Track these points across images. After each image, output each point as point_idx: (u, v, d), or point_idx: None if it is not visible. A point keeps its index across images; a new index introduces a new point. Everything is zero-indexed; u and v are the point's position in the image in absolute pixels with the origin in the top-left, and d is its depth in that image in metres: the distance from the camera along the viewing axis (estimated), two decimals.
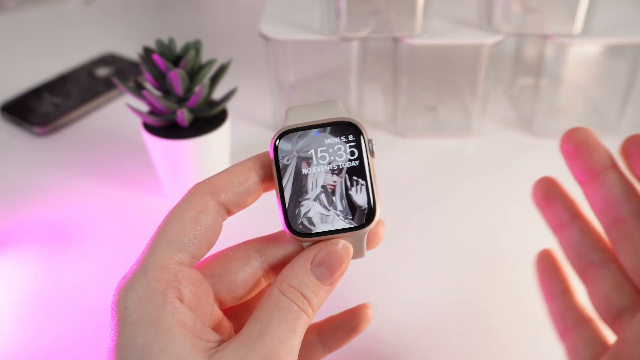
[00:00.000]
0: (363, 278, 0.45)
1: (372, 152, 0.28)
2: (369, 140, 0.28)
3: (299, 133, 0.28)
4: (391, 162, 0.57)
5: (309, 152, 0.28)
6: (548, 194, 0.32)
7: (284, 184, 0.28)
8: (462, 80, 0.67)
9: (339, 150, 0.28)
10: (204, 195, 0.27)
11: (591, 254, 0.30)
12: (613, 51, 0.61)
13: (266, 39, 0.54)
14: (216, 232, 0.28)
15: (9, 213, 0.52)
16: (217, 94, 0.52)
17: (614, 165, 0.28)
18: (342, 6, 0.52)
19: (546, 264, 0.34)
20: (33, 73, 0.70)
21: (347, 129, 0.28)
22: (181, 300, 0.25)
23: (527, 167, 0.57)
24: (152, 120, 0.48)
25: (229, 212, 0.28)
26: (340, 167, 0.28)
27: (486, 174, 0.56)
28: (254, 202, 0.29)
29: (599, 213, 0.29)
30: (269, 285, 0.30)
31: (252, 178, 0.28)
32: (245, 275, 0.29)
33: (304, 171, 0.28)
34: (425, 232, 0.50)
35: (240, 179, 0.28)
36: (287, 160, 0.28)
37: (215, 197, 0.27)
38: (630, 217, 0.28)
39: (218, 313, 0.28)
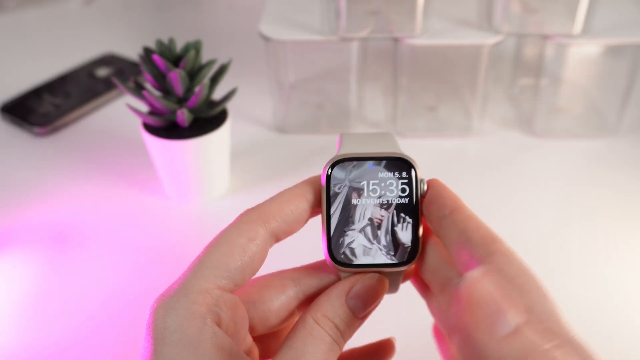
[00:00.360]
0: None
1: (422, 192, 0.28)
2: (421, 180, 0.28)
3: (354, 163, 0.28)
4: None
5: (361, 184, 0.28)
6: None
7: (331, 212, 0.28)
8: (462, 80, 0.67)
9: (391, 186, 0.28)
10: (256, 223, 0.27)
11: None
12: (613, 51, 0.61)
13: (266, 39, 0.54)
14: (261, 261, 0.28)
15: (9, 213, 0.52)
16: (217, 94, 0.52)
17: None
18: (342, 6, 0.52)
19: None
20: (33, 73, 0.70)
21: (402, 165, 0.28)
22: (219, 325, 0.25)
23: (527, 167, 0.57)
24: (152, 121, 0.48)
25: (277, 240, 0.28)
26: (390, 202, 0.28)
27: (486, 174, 0.56)
28: (302, 228, 0.29)
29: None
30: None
31: (303, 206, 0.28)
32: (280, 303, 0.29)
33: (354, 201, 0.28)
34: None
35: (292, 207, 0.28)
36: (339, 189, 0.28)
37: (267, 225, 0.27)
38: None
39: (249, 340, 0.29)
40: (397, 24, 0.54)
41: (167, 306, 0.25)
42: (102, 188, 0.54)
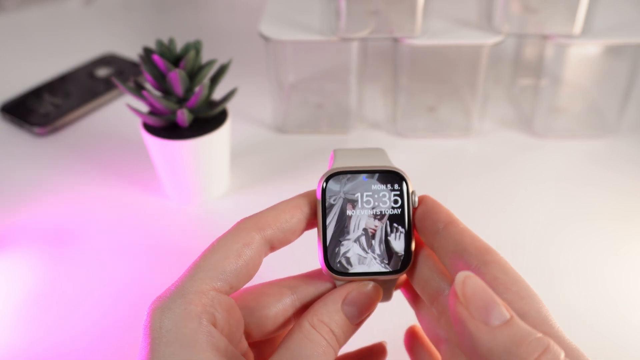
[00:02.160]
0: None
1: (414, 203, 0.29)
2: (412, 192, 0.29)
3: (348, 175, 0.29)
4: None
5: (356, 195, 0.29)
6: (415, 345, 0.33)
7: (327, 222, 0.29)
8: (462, 80, 0.67)
9: (384, 197, 0.29)
10: (251, 230, 0.28)
11: None
12: (613, 51, 0.61)
13: (266, 39, 0.54)
14: (256, 266, 0.29)
15: (8, 213, 0.52)
16: (217, 94, 0.52)
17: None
18: (342, 6, 0.52)
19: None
20: (33, 73, 0.70)
21: (394, 178, 0.29)
22: (214, 325, 0.26)
23: (527, 167, 0.57)
24: (152, 121, 0.48)
25: (273, 248, 0.29)
26: (383, 213, 0.29)
27: (486, 175, 0.56)
28: (296, 239, 0.30)
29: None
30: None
31: (298, 216, 0.29)
32: (276, 310, 0.30)
33: (349, 212, 0.29)
34: None
35: (287, 216, 0.29)
36: (334, 200, 0.29)
37: (262, 232, 0.28)
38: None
39: (245, 343, 0.29)
40: (397, 24, 0.54)
41: (163, 307, 0.26)
42: (102, 188, 0.54)
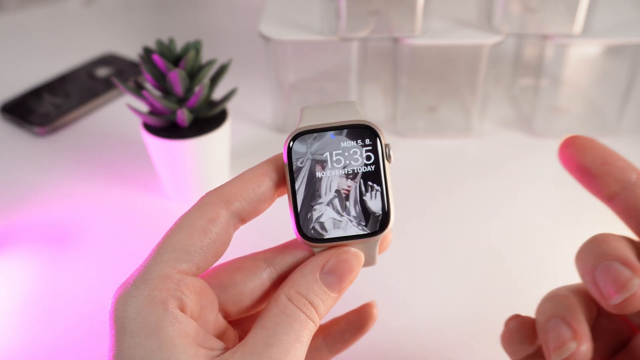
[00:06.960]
0: (362, 280, 0.45)
1: (388, 157, 0.27)
2: (386, 145, 0.27)
3: (315, 135, 0.27)
4: (391, 163, 0.57)
5: (324, 155, 0.27)
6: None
7: (296, 187, 0.27)
8: (462, 80, 0.67)
9: (355, 154, 0.27)
10: (216, 204, 0.26)
11: None
12: (613, 51, 0.61)
13: (266, 39, 0.54)
14: (225, 243, 0.27)
15: (9, 213, 0.52)
16: (217, 94, 0.52)
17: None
18: (342, 6, 0.52)
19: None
20: (33, 73, 0.70)
21: (364, 132, 0.27)
22: (182, 309, 0.25)
23: (527, 167, 0.57)
24: (152, 121, 0.48)
25: (243, 221, 0.27)
26: (356, 171, 0.27)
27: (486, 175, 0.56)
28: (268, 208, 0.28)
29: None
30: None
31: (266, 184, 0.27)
32: (253, 286, 0.28)
33: (318, 174, 0.27)
34: (425, 233, 0.50)
35: (254, 186, 0.27)
36: (301, 163, 0.27)
37: (228, 206, 0.26)
38: None
39: (222, 322, 0.28)
40: (397, 24, 0.54)
41: (126, 294, 0.24)
42: (102, 188, 0.54)
